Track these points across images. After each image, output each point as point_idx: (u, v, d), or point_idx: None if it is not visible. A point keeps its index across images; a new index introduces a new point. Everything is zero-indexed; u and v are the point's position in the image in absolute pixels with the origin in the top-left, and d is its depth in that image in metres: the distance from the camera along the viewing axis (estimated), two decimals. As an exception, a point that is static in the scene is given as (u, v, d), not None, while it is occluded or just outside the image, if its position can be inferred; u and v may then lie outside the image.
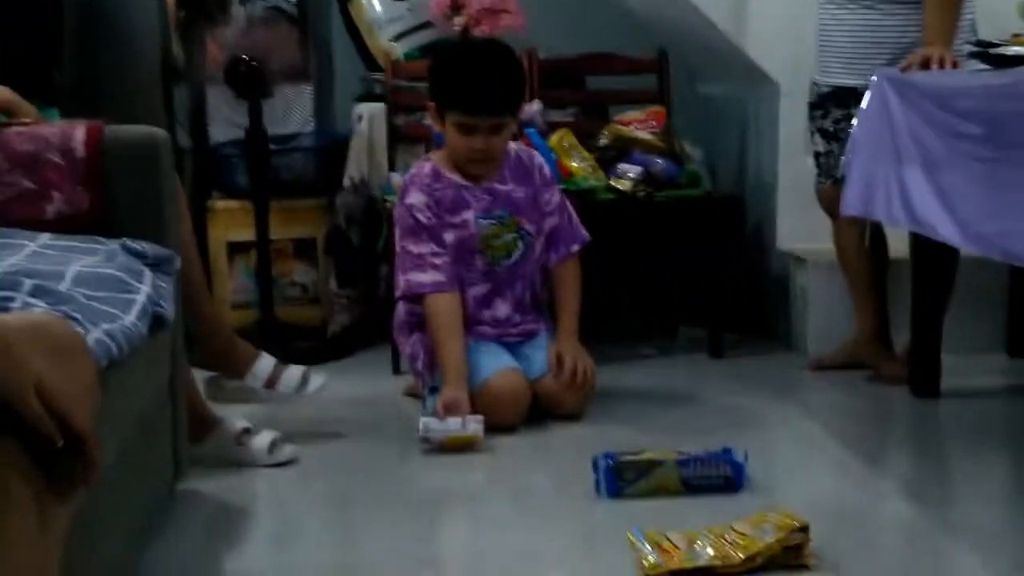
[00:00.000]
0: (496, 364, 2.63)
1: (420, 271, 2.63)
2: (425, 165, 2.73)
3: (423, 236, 2.64)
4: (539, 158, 2.83)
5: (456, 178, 2.68)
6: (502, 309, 2.74)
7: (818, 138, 3.06)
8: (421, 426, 2.44)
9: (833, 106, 2.99)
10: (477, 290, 2.72)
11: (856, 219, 2.84)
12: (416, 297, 2.67)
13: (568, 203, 2.83)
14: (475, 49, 2.81)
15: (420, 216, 2.65)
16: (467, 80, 2.61)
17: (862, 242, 3.04)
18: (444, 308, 2.61)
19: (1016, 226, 2.20)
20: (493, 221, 2.69)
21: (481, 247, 2.69)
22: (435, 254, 2.63)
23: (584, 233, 2.81)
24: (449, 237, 2.66)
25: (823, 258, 3.26)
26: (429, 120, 2.80)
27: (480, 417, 2.46)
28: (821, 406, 2.86)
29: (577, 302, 2.76)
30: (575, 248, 2.79)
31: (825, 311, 3.25)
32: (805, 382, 3.11)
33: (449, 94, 2.63)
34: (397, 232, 2.72)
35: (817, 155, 3.07)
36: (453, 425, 2.44)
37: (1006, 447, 2.58)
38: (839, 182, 2.82)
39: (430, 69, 2.73)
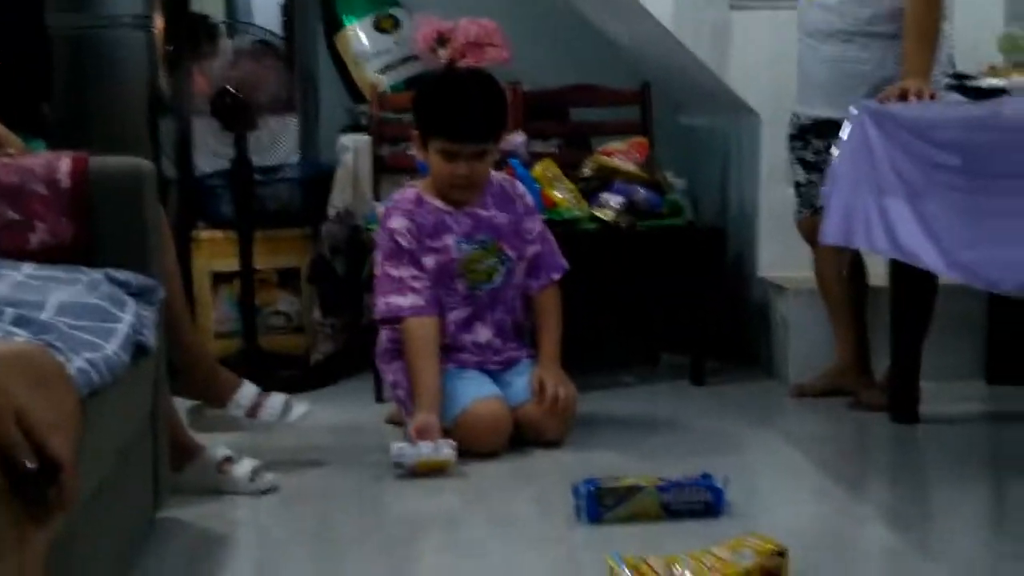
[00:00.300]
0: (477, 391, 2.63)
1: (399, 294, 2.64)
2: (408, 191, 2.75)
3: (404, 260, 2.65)
4: (521, 187, 2.86)
5: (438, 204, 2.70)
6: (483, 334, 2.75)
7: (799, 168, 3.09)
8: (394, 451, 2.45)
9: (813, 137, 3.01)
10: (457, 314, 2.73)
11: (836, 248, 2.86)
12: (395, 320, 2.68)
13: (549, 232, 2.85)
14: (458, 78, 2.84)
15: (401, 240, 2.67)
16: (450, 107, 2.63)
17: (841, 270, 3.06)
18: (421, 332, 2.62)
19: (995, 254, 2.23)
20: (475, 246, 2.71)
21: (462, 271, 2.71)
22: (415, 277, 2.64)
23: (563, 262, 2.83)
24: (429, 262, 2.67)
25: (803, 286, 3.28)
26: (414, 150, 2.82)
27: (452, 442, 2.47)
28: (801, 432, 2.87)
29: (558, 329, 2.77)
30: (555, 276, 2.81)
31: (806, 338, 3.27)
32: (785, 408, 3.12)
33: (433, 121, 2.65)
34: (378, 256, 2.73)
35: (798, 184, 3.10)
36: (425, 449, 2.45)
37: (985, 473, 2.59)
38: (819, 211, 2.84)
39: (414, 97, 2.76)
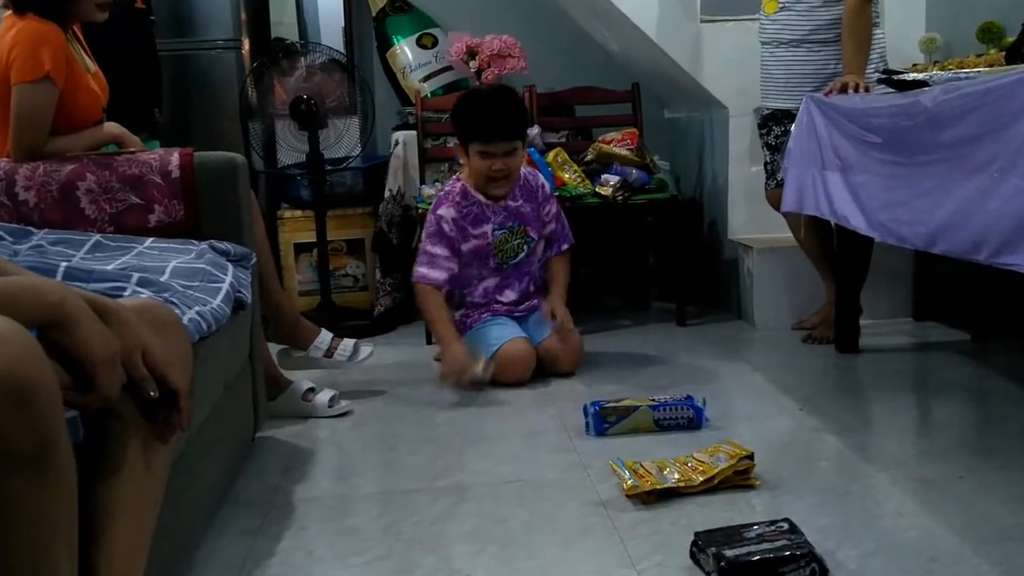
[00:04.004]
0: (508, 334, 2.64)
1: (431, 268, 2.65)
2: (456, 184, 2.73)
3: (442, 242, 2.66)
4: (541, 178, 2.83)
5: (480, 198, 2.70)
6: (509, 296, 2.77)
7: (765, 151, 3.06)
8: (437, 370, 2.46)
9: (773, 124, 2.99)
10: (489, 282, 2.74)
11: (796, 213, 2.83)
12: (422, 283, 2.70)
13: (563, 213, 2.84)
14: (485, 93, 2.80)
15: (445, 227, 2.67)
16: (483, 116, 2.62)
17: (809, 226, 2.99)
18: (432, 296, 2.65)
19: (905, 215, 2.20)
20: (505, 231, 2.72)
21: (495, 251, 2.72)
22: (447, 258, 2.66)
23: (571, 237, 2.83)
24: (470, 244, 2.68)
25: (765, 246, 3.26)
26: (456, 152, 2.80)
27: (485, 359, 2.49)
28: (765, 362, 2.86)
29: (565, 282, 2.79)
30: (565, 247, 2.82)
31: (768, 288, 3.25)
32: (753, 343, 3.11)
33: (470, 129, 2.64)
34: (424, 233, 2.73)
35: (765, 164, 3.07)
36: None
37: (913, 392, 2.58)
38: (781, 184, 2.82)
39: (453, 113, 2.72)
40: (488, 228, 2.70)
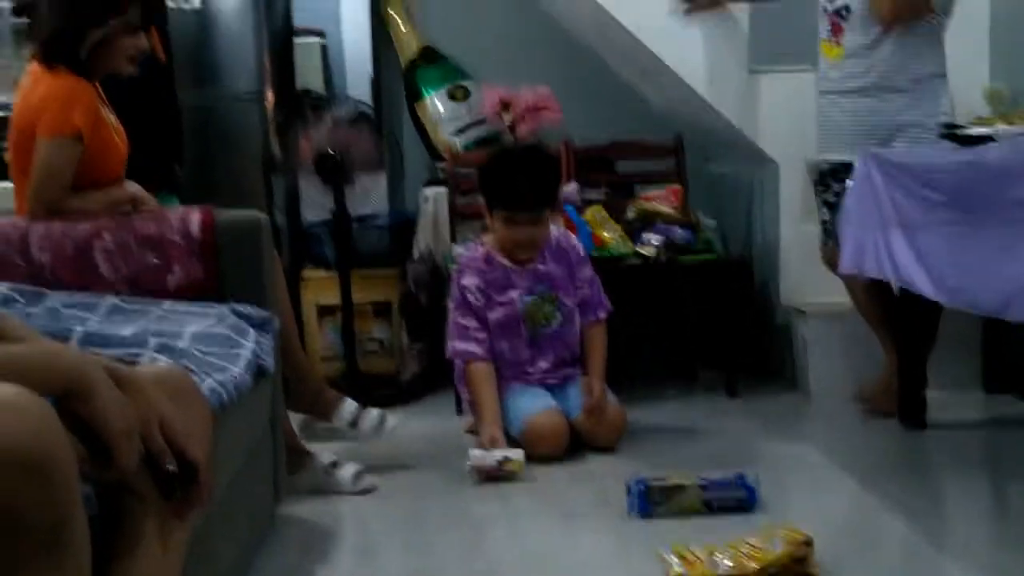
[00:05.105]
0: (540, 405, 2.64)
1: (464, 341, 2.69)
2: (479, 249, 2.76)
3: (470, 313, 2.69)
4: (573, 239, 2.84)
5: (505, 262, 2.72)
6: (542, 365, 2.77)
7: (823, 208, 3.05)
8: (472, 456, 2.45)
9: (832, 180, 2.97)
10: (522, 353, 2.75)
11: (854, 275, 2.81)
12: (459, 359, 2.73)
13: (597, 277, 2.83)
14: (513, 157, 2.77)
15: (471, 297, 2.70)
16: (508, 184, 2.66)
17: (869, 289, 2.95)
18: (480, 372, 2.68)
19: (975, 281, 2.18)
20: (535, 297, 2.73)
21: (525, 319, 2.73)
22: (477, 329, 2.69)
23: (608, 304, 2.82)
24: (497, 313, 2.70)
25: (821, 310, 3.24)
26: (484, 216, 2.82)
27: (520, 450, 2.47)
28: (823, 436, 2.82)
29: (602, 356, 2.76)
30: (601, 315, 2.80)
31: (824, 355, 3.22)
32: (808, 416, 3.08)
33: (495, 196, 2.68)
34: (451, 304, 2.76)
35: (823, 222, 3.06)
36: (498, 455, 2.45)
37: (986, 472, 2.52)
38: (839, 243, 2.81)
39: (479, 176, 2.76)
40: (515, 294, 2.71)
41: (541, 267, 2.74)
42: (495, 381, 2.68)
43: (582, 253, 2.83)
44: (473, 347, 2.69)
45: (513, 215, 2.63)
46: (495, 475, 2.42)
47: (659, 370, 3.66)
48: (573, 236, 2.87)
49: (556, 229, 2.83)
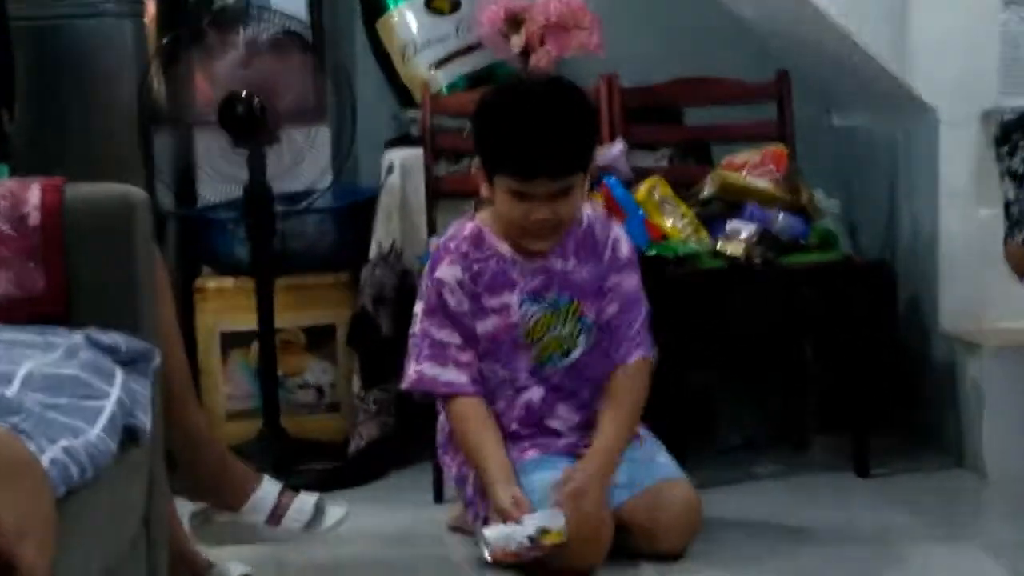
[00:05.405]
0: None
1: (439, 364, 2.65)
2: (466, 226, 2.73)
3: (448, 324, 2.66)
4: (617, 230, 2.78)
5: (502, 248, 2.69)
6: (567, 418, 2.74)
7: (1007, 181, 3.03)
8: (485, 539, 2.45)
9: (1021, 138, 2.96)
10: (532, 394, 2.72)
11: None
12: (427, 394, 2.72)
13: (644, 301, 2.76)
14: (527, 95, 2.72)
15: (449, 298, 2.66)
16: (520, 136, 2.60)
17: None
18: (472, 411, 2.64)
19: None
20: (545, 307, 2.69)
21: (527, 340, 2.69)
22: (460, 347, 2.65)
23: (650, 342, 2.74)
24: (486, 326, 2.67)
25: (1004, 343, 3.24)
26: (479, 186, 2.77)
27: (558, 513, 2.46)
28: (1006, 538, 2.81)
29: (628, 422, 2.70)
30: (634, 357, 2.72)
31: (1007, 411, 3.22)
32: (982, 506, 3.08)
33: (498, 154, 2.63)
34: (419, 306, 2.73)
35: (1007, 204, 3.05)
36: (528, 526, 2.44)
37: None
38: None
39: (474, 120, 2.73)
40: (512, 299, 2.69)
41: (558, 263, 2.71)
42: (495, 421, 2.66)
43: (625, 253, 2.77)
44: (454, 374, 2.66)
45: (523, 184, 2.61)
46: (528, 559, 2.43)
47: (751, 433, 3.65)
48: (617, 227, 2.85)
49: (591, 210, 2.82)
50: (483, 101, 2.72)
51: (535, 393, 2.73)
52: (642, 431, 2.79)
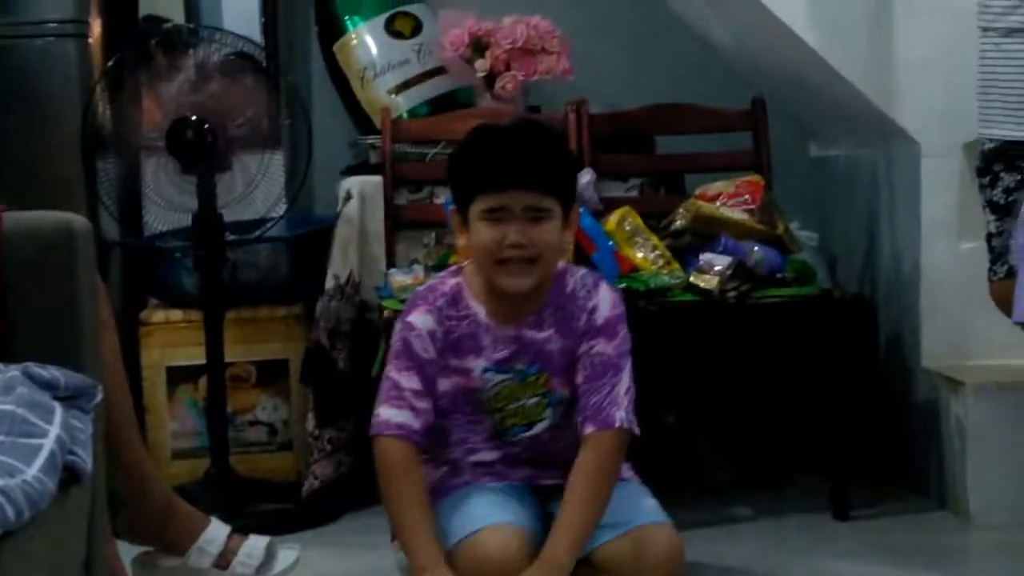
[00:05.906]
0: (494, 515, 2.55)
1: (395, 407, 2.63)
2: (447, 282, 2.73)
3: (412, 369, 2.65)
4: (600, 298, 2.72)
5: (479, 310, 2.68)
6: (518, 471, 2.72)
7: (988, 213, 3.04)
8: None
9: (1002, 169, 2.97)
10: (483, 456, 2.70)
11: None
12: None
13: (628, 364, 2.70)
14: (503, 125, 2.76)
15: (417, 345, 2.65)
16: (491, 153, 2.62)
17: None
18: (402, 460, 2.58)
19: None
20: (510, 377, 2.68)
21: (489, 407, 2.68)
22: (417, 394, 2.63)
23: (630, 412, 2.65)
24: (445, 385, 2.66)
25: (987, 381, 3.24)
26: (451, 224, 2.75)
27: None
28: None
29: (592, 509, 2.64)
30: (613, 422, 2.60)
31: (991, 453, 3.21)
32: (967, 552, 3.09)
33: (470, 175, 2.63)
34: (391, 350, 2.72)
35: (989, 236, 3.05)
36: None
37: None
38: (1014, 273, 2.80)
39: (449, 164, 2.74)
40: (475, 364, 2.67)
41: (532, 333, 2.69)
42: (422, 477, 2.62)
43: (604, 317, 2.68)
44: (408, 417, 2.64)
45: (496, 198, 2.59)
46: None
47: (728, 475, 3.64)
48: (605, 289, 2.78)
49: (576, 271, 2.78)
50: (462, 143, 2.74)
51: (485, 456, 2.72)
52: (627, 472, 2.77)
